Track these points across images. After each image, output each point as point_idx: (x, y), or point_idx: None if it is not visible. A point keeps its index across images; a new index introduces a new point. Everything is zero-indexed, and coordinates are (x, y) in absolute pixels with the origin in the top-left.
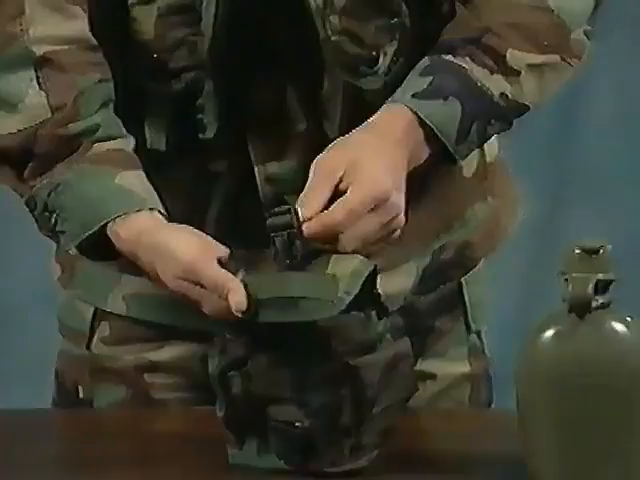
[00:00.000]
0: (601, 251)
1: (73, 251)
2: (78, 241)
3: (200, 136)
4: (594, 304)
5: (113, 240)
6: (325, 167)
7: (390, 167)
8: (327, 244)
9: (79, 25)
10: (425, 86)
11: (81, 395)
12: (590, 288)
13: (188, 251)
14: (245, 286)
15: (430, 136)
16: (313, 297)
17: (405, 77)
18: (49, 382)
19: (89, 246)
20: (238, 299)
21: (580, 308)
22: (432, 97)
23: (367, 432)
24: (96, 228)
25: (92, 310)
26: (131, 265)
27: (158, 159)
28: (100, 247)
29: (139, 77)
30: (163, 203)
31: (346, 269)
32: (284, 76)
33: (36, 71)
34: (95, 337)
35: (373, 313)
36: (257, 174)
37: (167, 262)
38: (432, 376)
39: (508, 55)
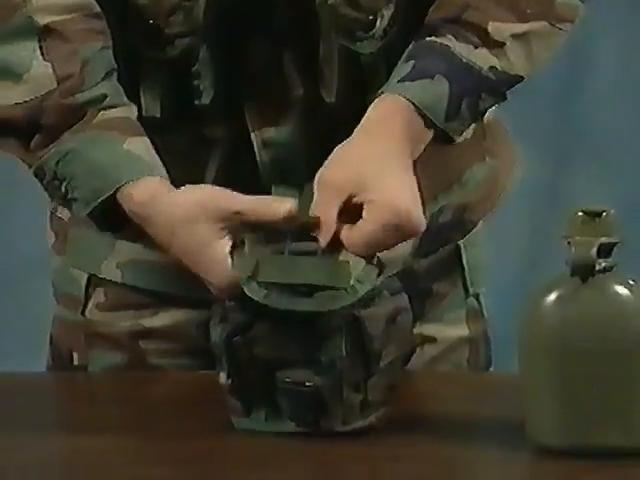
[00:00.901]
0: (604, 214)
1: (85, 219)
2: (91, 208)
3: (196, 102)
4: (597, 268)
5: (125, 205)
6: (330, 186)
7: (403, 177)
8: None
9: None
10: (409, 70)
11: (76, 361)
12: (593, 252)
13: (207, 191)
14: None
15: (426, 118)
16: (326, 285)
17: (402, 43)
18: (46, 347)
19: (100, 214)
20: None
21: (583, 272)
22: (417, 78)
23: (374, 388)
24: (110, 193)
25: (87, 276)
26: (127, 232)
27: (154, 125)
28: (110, 216)
29: (134, 43)
30: None
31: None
32: (280, 41)
33: (39, 41)
34: (90, 303)
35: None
36: (254, 139)
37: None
38: (430, 339)
39: (490, 28)
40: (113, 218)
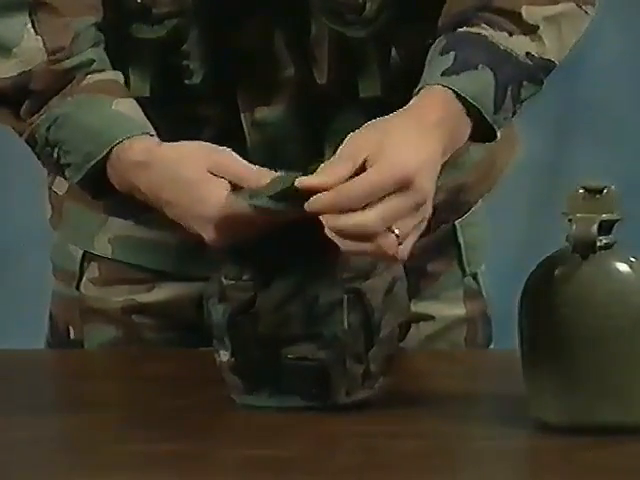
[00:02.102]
0: (605, 191)
1: (78, 191)
2: (84, 172)
3: (186, 82)
4: (598, 244)
5: (119, 163)
6: (352, 145)
7: (420, 150)
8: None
9: None
10: (451, 62)
11: (72, 336)
12: (594, 229)
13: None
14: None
15: (469, 111)
16: None
17: (394, 28)
18: (45, 323)
19: (93, 180)
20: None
21: (584, 249)
22: (462, 70)
23: (375, 358)
24: (102, 155)
25: (82, 252)
26: (118, 207)
27: (143, 105)
28: (102, 182)
29: (123, 23)
30: None
31: None
32: (271, 21)
33: (31, 15)
34: (84, 278)
35: None
36: (243, 120)
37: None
38: (427, 317)
39: (523, 12)
40: (105, 185)
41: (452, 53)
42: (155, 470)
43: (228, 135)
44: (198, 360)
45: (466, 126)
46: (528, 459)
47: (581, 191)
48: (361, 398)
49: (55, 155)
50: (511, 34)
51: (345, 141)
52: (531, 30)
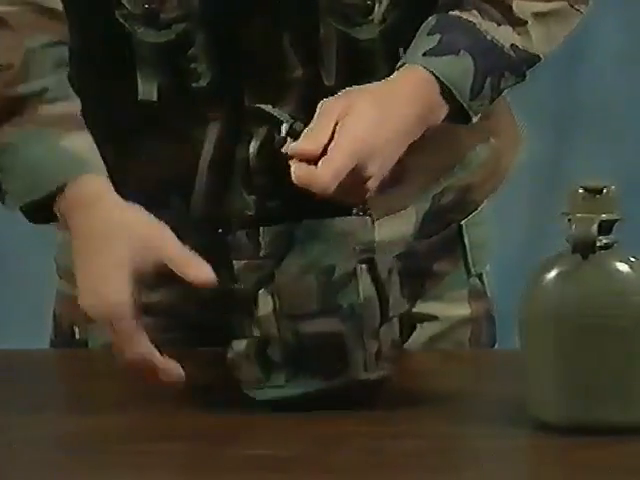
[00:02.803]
0: (605, 191)
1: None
2: (23, 202)
3: (193, 85)
4: (598, 244)
5: (62, 201)
6: (325, 109)
7: (383, 121)
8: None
9: None
10: (435, 44)
11: (77, 336)
12: (594, 229)
13: (147, 224)
14: None
15: (445, 93)
16: None
17: (402, 28)
18: (47, 323)
19: (29, 211)
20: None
21: (584, 249)
22: (443, 53)
23: (385, 339)
24: (44, 193)
25: None
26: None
27: (151, 110)
28: (39, 213)
29: (130, 27)
30: (153, 148)
31: None
32: (279, 23)
33: None
34: None
35: (367, 218)
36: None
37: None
38: (431, 317)
39: (514, 5)
40: (42, 215)
41: (437, 35)
42: (155, 470)
43: (235, 136)
44: (200, 360)
45: (440, 107)
46: (528, 459)
47: (581, 191)
48: (377, 377)
49: None
50: (499, 24)
51: (320, 105)
52: (519, 23)
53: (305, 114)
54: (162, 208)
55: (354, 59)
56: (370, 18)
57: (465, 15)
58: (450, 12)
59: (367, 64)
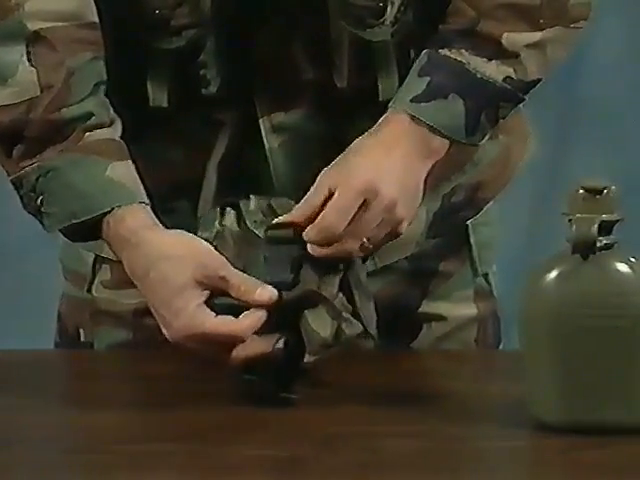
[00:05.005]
0: (605, 192)
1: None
2: (63, 225)
3: (203, 91)
4: (598, 245)
5: (110, 229)
6: (319, 180)
7: (380, 162)
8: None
9: (75, 0)
10: (424, 87)
11: (82, 338)
12: (594, 229)
13: (202, 245)
14: None
15: (444, 136)
16: None
17: (413, 30)
18: (49, 324)
19: (71, 232)
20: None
21: (584, 249)
22: (431, 98)
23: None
24: (85, 218)
25: (93, 254)
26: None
27: (161, 114)
28: (83, 232)
29: (141, 34)
30: (163, 151)
31: None
32: (289, 27)
33: (27, 47)
34: (96, 280)
35: None
36: (262, 125)
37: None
38: (438, 317)
39: (504, 40)
40: (85, 232)
41: (427, 78)
42: (155, 470)
43: (246, 140)
44: (200, 360)
45: (442, 143)
46: (528, 459)
47: (581, 191)
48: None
49: (38, 202)
50: (490, 59)
51: (319, 176)
52: (511, 56)
53: (317, 117)
54: (170, 211)
55: (366, 61)
56: (382, 20)
57: (453, 55)
58: (440, 50)
59: (378, 66)
